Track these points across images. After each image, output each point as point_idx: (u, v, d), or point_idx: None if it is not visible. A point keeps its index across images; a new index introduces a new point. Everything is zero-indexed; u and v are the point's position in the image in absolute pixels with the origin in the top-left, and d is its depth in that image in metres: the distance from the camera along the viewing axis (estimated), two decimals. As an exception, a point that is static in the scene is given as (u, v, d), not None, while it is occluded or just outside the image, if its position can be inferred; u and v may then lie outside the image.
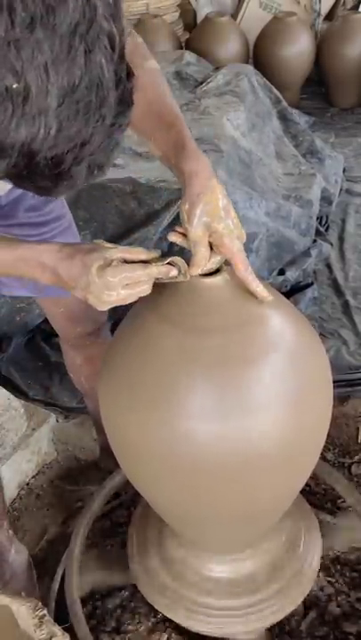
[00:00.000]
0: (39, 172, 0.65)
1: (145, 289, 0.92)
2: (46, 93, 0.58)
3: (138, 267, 0.90)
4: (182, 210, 0.96)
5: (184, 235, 0.97)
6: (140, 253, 0.92)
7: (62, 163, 0.64)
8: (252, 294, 0.98)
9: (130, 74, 0.65)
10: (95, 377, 1.52)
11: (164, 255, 0.94)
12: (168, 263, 0.93)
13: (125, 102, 0.66)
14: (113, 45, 0.61)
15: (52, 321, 1.52)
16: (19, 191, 1.25)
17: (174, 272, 0.94)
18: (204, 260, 0.96)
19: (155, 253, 0.93)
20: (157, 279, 0.94)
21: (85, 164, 0.67)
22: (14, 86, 0.57)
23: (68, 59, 0.58)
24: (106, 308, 0.92)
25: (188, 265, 0.96)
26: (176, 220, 2.09)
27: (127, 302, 0.93)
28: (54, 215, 1.34)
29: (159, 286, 0.98)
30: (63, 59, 0.58)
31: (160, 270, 0.92)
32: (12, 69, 0.57)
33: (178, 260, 0.95)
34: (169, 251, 0.98)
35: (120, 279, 0.88)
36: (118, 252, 0.90)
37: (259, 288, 0.97)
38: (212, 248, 0.97)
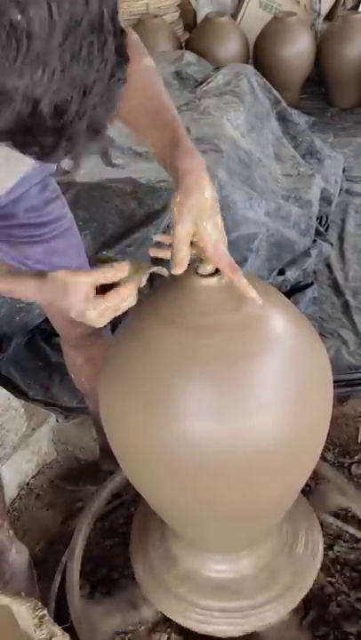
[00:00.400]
0: (43, 124, 0.64)
1: (130, 301, 0.96)
2: (49, 29, 0.58)
3: (111, 296, 0.94)
4: (172, 204, 0.95)
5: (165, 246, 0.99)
6: (112, 272, 0.95)
7: (66, 112, 0.63)
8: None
9: (123, 30, 0.65)
10: (96, 377, 1.52)
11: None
12: (151, 275, 0.96)
13: (122, 54, 0.65)
14: None
15: (52, 321, 1.53)
16: (19, 191, 1.25)
17: (144, 279, 0.96)
18: (186, 260, 0.96)
19: (126, 265, 0.95)
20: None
21: (86, 121, 0.66)
22: (18, 18, 0.56)
23: None
24: (101, 323, 0.97)
25: (171, 265, 0.96)
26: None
27: (117, 314, 0.97)
28: (55, 216, 1.34)
29: (159, 287, 0.98)
30: None
31: (135, 284, 0.95)
32: (16, 1, 0.56)
33: (157, 269, 0.97)
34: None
35: (101, 310, 0.94)
36: (90, 279, 0.94)
37: (250, 292, 0.96)
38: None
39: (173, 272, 0.95)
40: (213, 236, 0.95)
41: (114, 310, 0.95)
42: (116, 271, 0.94)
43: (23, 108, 0.62)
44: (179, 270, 0.95)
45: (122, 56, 0.65)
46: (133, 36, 1.04)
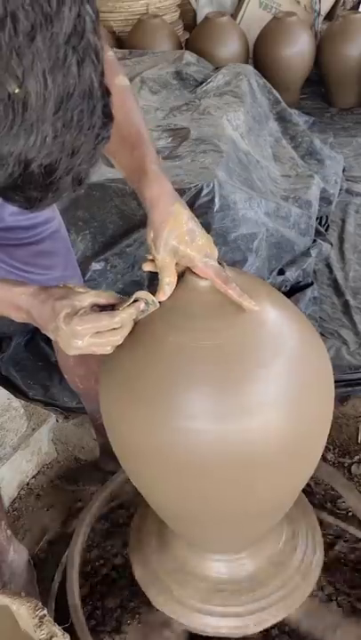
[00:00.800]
0: (33, 182, 0.68)
1: (116, 340, 0.94)
2: (44, 100, 0.61)
3: (104, 316, 0.92)
4: (148, 238, 0.97)
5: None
6: (110, 298, 0.95)
7: (55, 171, 0.67)
8: (251, 294, 0.98)
9: (108, 91, 0.69)
10: (89, 377, 1.53)
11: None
12: (134, 301, 0.95)
13: (108, 115, 0.69)
14: (99, 59, 0.65)
15: None
16: None
17: (143, 305, 0.96)
18: (169, 287, 0.97)
19: (125, 298, 0.96)
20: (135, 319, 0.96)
21: (71, 175, 0.70)
22: (16, 91, 0.59)
23: (64, 67, 0.61)
24: (74, 353, 0.95)
25: (159, 292, 0.97)
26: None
27: (98, 352, 0.95)
28: (42, 218, 1.34)
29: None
30: (60, 67, 0.61)
31: (129, 312, 0.94)
32: (14, 75, 0.59)
33: (142, 293, 0.96)
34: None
35: (86, 329, 0.91)
36: (89, 297, 0.93)
37: (245, 302, 0.96)
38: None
39: (157, 298, 0.97)
40: (199, 256, 0.96)
41: (96, 337, 0.92)
42: (111, 297, 0.96)
43: (15, 169, 0.65)
44: (162, 297, 0.97)
45: (107, 117, 0.68)
46: (109, 54, 1.05)
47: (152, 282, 1.77)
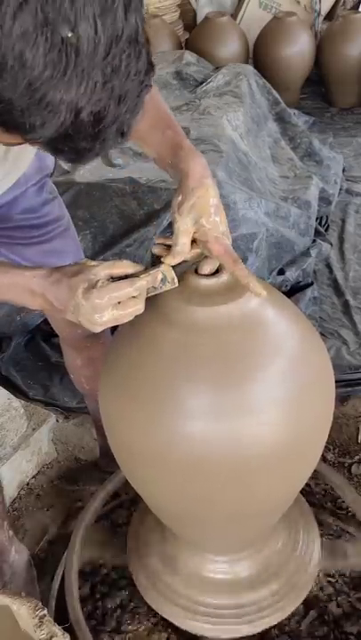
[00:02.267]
0: (82, 131, 0.68)
1: (138, 308, 0.91)
2: (95, 45, 0.62)
3: (124, 284, 0.90)
4: (174, 202, 0.97)
5: (167, 246, 0.98)
6: (126, 267, 0.92)
7: (103, 119, 0.67)
8: (252, 295, 0.98)
9: (149, 39, 0.69)
10: (96, 378, 1.52)
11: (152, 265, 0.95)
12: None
13: (150, 63, 0.69)
14: (142, 4, 0.66)
15: (52, 322, 1.52)
16: (15, 193, 1.25)
17: (160, 276, 0.94)
18: (183, 252, 0.96)
19: (140, 266, 0.93)
20: (148, 292, 0.93)
21: (117, 124, 0.70)
22: (69, 35, 0.60)
23: (112, 11, 0.62)
24: (99, 329, 0.92)
25: (169, 254, 0.96)
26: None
27: (122, 322, 0.93)
28: (52, 217, 1.34)
29: None
30: (108, 11, 0.62)
31: (147, 280, 0.92)
32: (67, 19, 0.60)
33: (164, 267, 0.95)
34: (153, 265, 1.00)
35: (107, 300, 0.88)
36: (103, 269, 0.90)
37: (252, 283, 0.95)
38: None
39: (168, 261, 0.95)
40: (215, 232, 0.96)
41: (119, 308, 0.89)
42: (126, 266, 0.92)
43: (67, 117, 0.65)
44: (172, 260, 0.95)
45: (150, 64, 0.69)
46: None
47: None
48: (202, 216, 0.95)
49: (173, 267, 0.96)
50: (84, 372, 1.59)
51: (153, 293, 0.95)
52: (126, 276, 0.91)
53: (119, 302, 0.89)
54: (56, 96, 0.63)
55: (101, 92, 0.65)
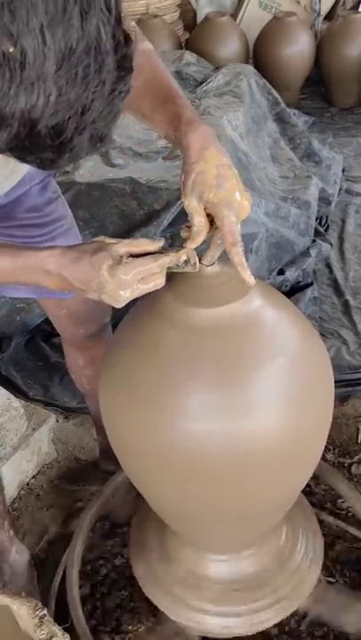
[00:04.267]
0: (41, 143, 0.65)
1: (160, 282, 0.90)
2: (43, 58, 0.58)
3: (149, 260, 0.88)
4: (180, 182, 0.93)
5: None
6: (145, 245, 0.90)
7: (64, 131, 0.64)
8: (253, 295, 0.97)
9: (128, 39, 0.65)
10: (97, 378, 1.52)
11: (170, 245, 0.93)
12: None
13: (125, 68, 0.65)
14: (109, 8, 0.61)
15: (54, 322, 1.52)
16: (19, 192, 1.25)
17: (184, 257, 0.92)
18: (201, 231, 0.93)
19: (160, 242, 0.91)
20: (169, 269, 0.91)
21: (87, 133, 0.66)
22: (10, 50, 0.57)
23: (63, 21, 0.58)
24: (122, 305, 0.90)
25: (189, 239, 0.94)
26: (176, 221, 2.09)
27: (142, 294, 0.90)
28: (55, 216, 1.33)
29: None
30: (59, 21, 0.58)
31: (171, 258, 0.90)
32: (8, 33, 0.57)
33: (189, 250, 0.93)
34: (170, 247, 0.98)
35: (133, 275, 0.86)
36: (123, 246, 0.88)
37: (241, 269, 0.93)
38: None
39: (188, 245, 0.93)
40: (224, 204, 0.91)
41: (142, 282, 0.87)
42: (146, 244, 0.90)
43: (21, 130, 0.63)
44: (192, 244, 0.93)
45: (124, 69, 0.65)
46: (131, 23, 1.00)
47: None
48: (204, 191, 0.91)
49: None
50: (85, 372, 1.58)
51: (173, 270, 0.93)
52: (146, 254, 0.90)
53: (142, 278, 0.88)
54: (4, 109, 0.60)
55: (56, 104, 0.61)
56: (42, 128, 0.63)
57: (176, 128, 0.96)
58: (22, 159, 0.69)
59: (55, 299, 1.39)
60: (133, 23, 1.02)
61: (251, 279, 0.93)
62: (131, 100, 0.98)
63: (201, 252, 0.97)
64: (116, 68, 0.64)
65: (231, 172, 0.92)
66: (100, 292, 0.88)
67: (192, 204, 0.92)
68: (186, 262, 0.94)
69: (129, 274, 0.86)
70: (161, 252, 0.90)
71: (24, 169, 1.21)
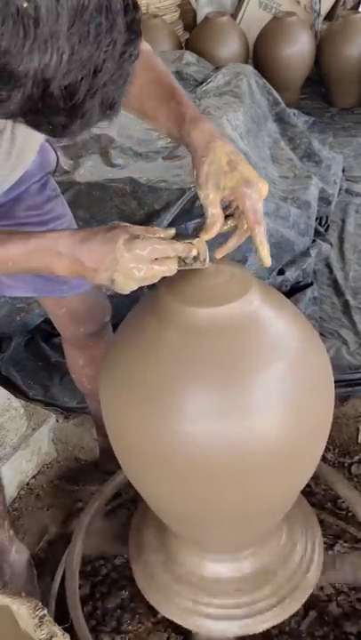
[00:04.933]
0: (54, 105, 0.65)
1: (172, 268, 0.90)
2: (57, 14, 0.59)
3: (164, 241, 0.88)
4: (194, 179, 0.95)
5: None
6: (157, 232, 0.91)
7: (76, 92, 0.64)
8: (253, 296, 0.97)
9: (136, 4, 0.66)
10: (97, 378, 1.51)
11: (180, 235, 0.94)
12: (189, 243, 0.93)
13: (134, 31, 0.66)
14: None
15: (54, 321, 1.52)
16: (18, 190, 1.25)
17: (195, 251, 0.93)
18: (215, 223, 0.94)
19: (172, 231, 0.92)
20: (180, 262, 0.92)
21: (99, 97, 0.67)
22: (24, 5, 0.58)
23: None
24: (133, 287, 0.89)
25: (202, 230, 0.95)
26: (176, 221, 2.09)
27: (153, 281, 0.91)
28: (55, 214, 1.33)
29: (159, 287, 0.98)
30: None
31: (183, 248, 0.91)
32: None
33: (201, 245, 0.94)
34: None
35: (149, 252, 0.86)
36: (139, 229, 0.89)
37: (263, 247, 0.96)
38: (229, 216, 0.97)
39: (202, 236, 0.94)
40: (241, 188, 0.94)
41: (156, 263, 0.88)
42: (158, 231, 0.91)
43: (34, 91, 0.63)
44: (206, 235, 0.94)
45: (133, 32, 0.66)
46: None
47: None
48: (219, 180, 0.92)
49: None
50: (85, 371, 1.58)
51: (182, 268, 0.94)
52: None
53: (156, 258, 0.88)
54: (18, 68, 0.60)
55: (69, 63, 0.62)
56: (54, 89, 0.63)
57: (180, 127, 0.97)
58: (35, 125, 0.69)
59: (55, 297, 1.39)
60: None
61: (268, 259, 0.96)
62: (132, 99, 0.99)
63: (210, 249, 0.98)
64: (127, 30, 0.65)
65: (241, 156, 0.94)
66: (112, 269, 0.87)
67: (209, 197, 0.93)
68: (195, 258, 0.94)
69: (146, 249, 0.86)
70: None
71: (24, 166, 1.21)
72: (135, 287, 0.90)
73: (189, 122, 0.96)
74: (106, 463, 1.68)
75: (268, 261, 0.97)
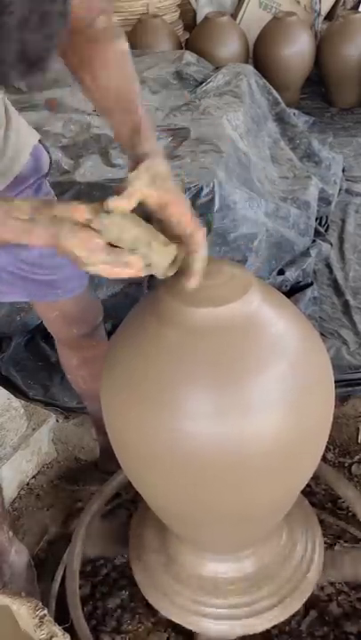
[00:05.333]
0: None
1: (137, 269, 0.85)
2: None
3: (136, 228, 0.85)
4: (128, 177, 0.92)
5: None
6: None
7: None
8: (253, 295, 0.97)
9: None
10: (92, 378, 1.52)
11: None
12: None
13: None
14: None
15: (47, 324, 1.52)
16: (11, 194, 1.21)
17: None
18: (132, 196, 0.91)
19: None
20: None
21: (14, 45, 0.63)
22: None
23: None
24: (89, 264, 0.85)
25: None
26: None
27: (110, 273, 0.86)
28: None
29: (159, 287, 0.98)
30: None
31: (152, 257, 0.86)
32: None
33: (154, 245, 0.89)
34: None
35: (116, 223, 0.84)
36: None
37: (193, 270, 0.91)
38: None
39: (110, 202, 0.90)
40: (173, 192, 0.90)
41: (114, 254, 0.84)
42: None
43: None
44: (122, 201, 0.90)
45: None
46: (113, 19, 1.03)
47: (151, 281, 1.78)
48: (156, 179, 0.88)
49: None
50: (80, 372, 1.59)
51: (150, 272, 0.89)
52: None
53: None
54: None
55: None
56: None
57: (132, 139, 0.95)
58: None
59: (48, 301, 1.40)
60: (109, 18, 1.02)
61: (195, 283, 0.93)
62: (95, 93, 0.99)
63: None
64: None
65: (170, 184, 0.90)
66: (71, 234, 0.85)
67: (140, 181, 0.90)
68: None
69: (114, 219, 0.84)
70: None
71: (17, 168, 1.20)
72: (91, 266, 0.86)
73: (143, 137, 0.94)
74: (106, 463, 1.68)
75: (193, 284, 0.92)
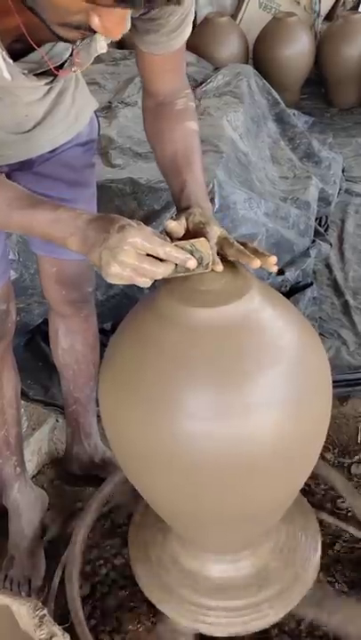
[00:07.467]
0: None
1: (157, 271, 0.91)
2: None
3: (157, 238, 0.91)
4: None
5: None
6: (159, 241, 0.93)
7: None
8: (253, 296, 0.98)
9: None
10: (71, 353, 1.62)
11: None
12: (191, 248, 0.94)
13: None
14: None
15: (43, 280, 1.57)
16: (65, 147, 1.31)
17: (192, 263, 0.93)
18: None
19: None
20: (177, 270, 0.94)
21: None
22: None
23: None
24: (114, 271, 0.90)
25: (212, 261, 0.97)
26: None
27: (141, 281, 0.92)
28: (85, 181, 1.40)
29: (159, 287, 0.98)
30: None
31: (179, 253, 0.92)
32: None
33: (201, 244, 0.96)
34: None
35: (135, 241, 0.89)
36: (143, 226, 0.93)
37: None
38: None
39: (214, 268, 0.98)
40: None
41: (141, 261, 0.90)
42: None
43: None
44: (219, 267, 0.99)
45: None
46: (190, 104, 1.19)
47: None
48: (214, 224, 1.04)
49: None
50: (61, 342, 1.64)
51: (180, 274, 0.95)
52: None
53: (141, 255, 0.90)
54: None
55: None
56: None
57: (180, 195, 1.09)
58: None
59: (54, 257, 1.46)
60: (193, 104, 1.21)
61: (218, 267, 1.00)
62: (161, 159, 1.15)
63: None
64: None
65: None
66: (103, 246, 0.91)
67: (216, 232, 1.07)
68: (200, 262, 0.95)
69: (133, 237, 0.89)
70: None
71: (77, 128, 1.31)
72: (116, 272, 0.90)
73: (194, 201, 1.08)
74: (69, 462, 1.76)
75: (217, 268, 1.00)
